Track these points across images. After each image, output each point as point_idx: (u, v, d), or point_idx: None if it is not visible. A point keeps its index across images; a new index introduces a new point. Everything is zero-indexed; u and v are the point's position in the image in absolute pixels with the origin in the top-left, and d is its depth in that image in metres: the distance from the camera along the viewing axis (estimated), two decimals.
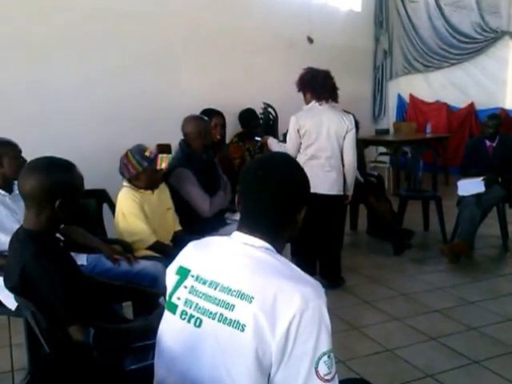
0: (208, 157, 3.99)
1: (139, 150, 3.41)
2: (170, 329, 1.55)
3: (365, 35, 9.54)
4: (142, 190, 3.41)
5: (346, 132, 4.20)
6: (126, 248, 3.26)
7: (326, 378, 1.33)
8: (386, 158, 8.82)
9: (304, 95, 4.35)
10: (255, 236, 1.52)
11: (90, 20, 5.74)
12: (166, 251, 3.32)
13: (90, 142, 5.47)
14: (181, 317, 1.50)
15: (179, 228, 3.66)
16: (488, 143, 5.45)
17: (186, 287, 1.53)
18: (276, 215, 1.53)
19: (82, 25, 5.67)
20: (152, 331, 1.69)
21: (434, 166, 6.26)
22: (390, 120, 10.18)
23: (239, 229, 1.56)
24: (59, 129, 5.42)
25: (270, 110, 6.55)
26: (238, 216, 4.09)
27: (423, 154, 6.16)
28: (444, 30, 9.33)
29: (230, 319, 1.38)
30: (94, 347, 1.81)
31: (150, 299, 2.63)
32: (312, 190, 4.35)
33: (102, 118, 5.76)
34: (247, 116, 5.82)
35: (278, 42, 7.50)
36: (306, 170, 4.47)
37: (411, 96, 10.05)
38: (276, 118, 6.42)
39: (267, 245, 1.51)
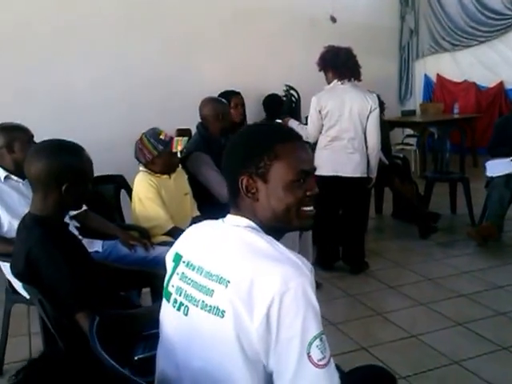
0: (226, 140, 3.90)
1: (154, 133, 3.34)
2: (167, 317, 1.51)
3: (390, 14, 9.30)
4: (158, 175, 3.35)
5: (370, 112, 4.07)
6: (142, 234, 3.21)
7: (321, 363, 1.25)
8: (413, 140, 8.63)
9: (325, 74, 4.23)
10: (238, 214, 1.46)
11: (103, 9, 5.71)
12: None
13: (109, 129, 5.46)
14: (173, 305, 1.45)
15: (197, 213, 3.59)
16: None
17: (178, 274, 1.48)
18: (228, 181, 1.50)
19: (96, 15, 5.66)
20: (156, 318, 1.63)
21: (462, 147, 6.10)
22: (416, 101, 9.95)
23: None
24: (78, 118, 5.43)
25: (292, 92, 6.44)
26: None
27: (451, 136, 6.00)
28: (472, 7, 9.04)
29: (211, 306, 1.32)
30: (98, 335, 1.73)
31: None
32: (335, 173, 4.27)
33: (120, 106, 5.78)
34: (271, 101, 5.71)
35: (300, 22, 7.35)
36: (329, 152, 4.37)
37: (438, 76, 9.80)
38: (298, 100, 6.32)
39: (251, 223, 1.43)
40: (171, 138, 3.32)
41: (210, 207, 3.66)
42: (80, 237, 2.80)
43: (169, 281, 1.51)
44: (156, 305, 2.02)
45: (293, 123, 4.55)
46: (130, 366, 1.92)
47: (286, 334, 1.23)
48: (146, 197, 3.27)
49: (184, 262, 1.47)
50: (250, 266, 1.29)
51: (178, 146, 3.29)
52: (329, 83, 4.19)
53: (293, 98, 6.43)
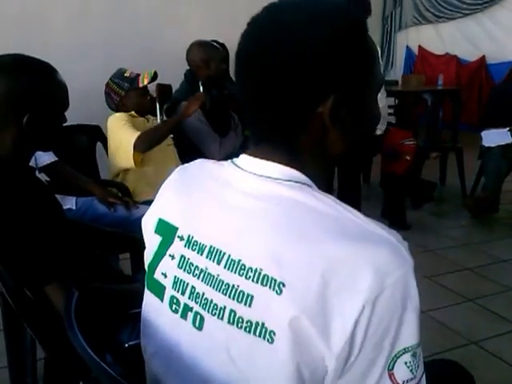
0: (218, 92, 3.49)
1: (119, 72, 3.03)
2: (160, 322, 0.96)
3: None
4: (134, 114, 2.99)
5: None
6: (123, 191, 2.82)
7: None
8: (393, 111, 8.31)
9: None
10: (272, 159, 0.89)
11: None
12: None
13: (85, 78, 4.94)
14: (171, 307, 0.91)
15: None
16: None
17: (172, 257, 0.92)
18: (285, 106, 0.86)
19: None
20: None
21: (455, 119, 5.87)
22: (397, 73, 9.67)
23: (247, 148, 0.95)
24: (48, 58, 4.92)
25: None
26: None
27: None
28: None
29: (249, 321, 0.80)
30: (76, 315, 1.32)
31: None
32: None
33: (98, 53, 5.25)
34: None
35: None
36: None
37: (420, 48, 9.53)
38: None
39: (296, 173, 0.87)
40: (137, 75, 2.98)
41: None
42: None
43: (155, 264, 0.96)
44: None
45: None
46: (113, 352, 1.50)
47: (370, 355, 0.77)
48: (118, 125, 2.91)
49: (181, 237, 0.92)
50: (319, 253, 0.77)
51: (145, 79, 2.96)
52: None
53: None
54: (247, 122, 0.95)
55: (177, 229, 0.93)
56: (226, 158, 3.09)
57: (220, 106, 3.48)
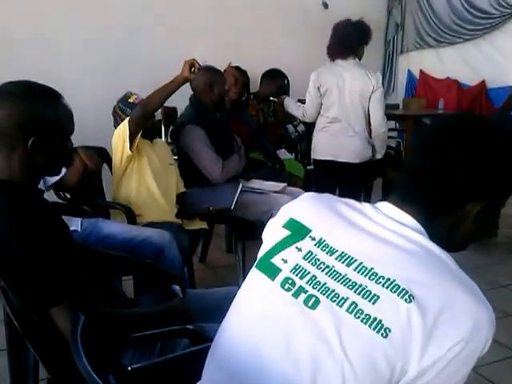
0: (222, 116, 3.55)
1: (124, 97, 3.15)
2: (257, 298, 1.13)
3: (378, 6, 9.04)
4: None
5: (372, 92, 3.80)
6: (127, 214, 2.86)
7: None
8: (393, 134, 8.37)
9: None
10: (404, 210, 1.12)
11: None
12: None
13: (94, 97, 4.98)
14: (282, 285, 1.08)
15: (183, 190, 3.30)
16: None
17: (299, 249, 1.12)
18: (445, 192, 1.10)
19: None
20: (164, 321, 1.27)
21: None
22: (398, 96, 9.77)
23: (389, 198, 1.17)
24: (59, 82, 4.98)
25: None
26: (253, 183, 3.63)
27: None
28: (459, 4, 8.84)
29: (367, 315, 0.97)
30: (84, 338, 1.34)
31: (160, 278, 2.19)
32: (332, 158, 3.97)
33: (107, 74, 5.31)
34: (274, 74, 5.26)
35: (291, 6, 6.99)
36: (326, 135, 4.06)
37: (421, 72, 9.63)
38: (288, 85, 6.00)
39: (421, 228, 1.11)
40: (141, 101, 3.05)
41: (197, 186, 3.34)
42: None
43: (275, 251, 1.15)
44: (169, 305, 1.68)
45: (289, 101, 4.27)
46: (115, 373, 1.51)
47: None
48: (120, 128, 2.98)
49: (313, 238, 1.12)
50: (442, 287, 0.99)
51: None
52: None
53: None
54: (403, 180, 1.18)
55: (310, 230, 1.14)
56: (228, 181, 3.12)
57: (223, 130, 3.54)
